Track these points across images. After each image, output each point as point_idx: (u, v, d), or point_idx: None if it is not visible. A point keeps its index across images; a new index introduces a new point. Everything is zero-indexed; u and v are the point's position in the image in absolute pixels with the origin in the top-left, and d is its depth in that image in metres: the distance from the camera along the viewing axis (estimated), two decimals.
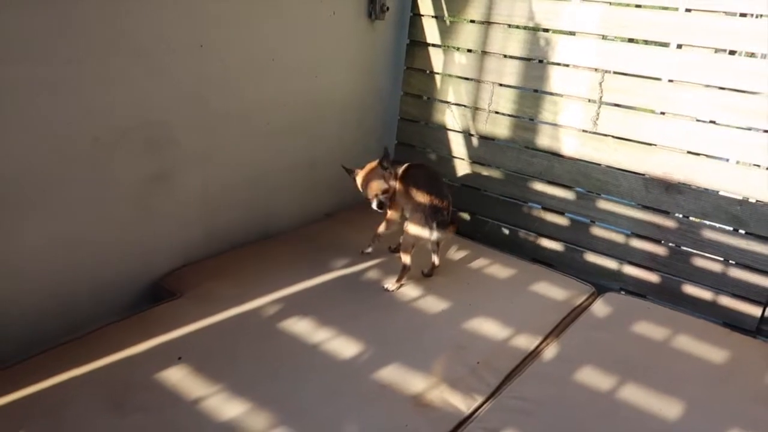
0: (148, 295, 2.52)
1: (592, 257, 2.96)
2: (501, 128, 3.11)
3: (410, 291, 2.52)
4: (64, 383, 1.90)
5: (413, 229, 2.52)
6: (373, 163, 2.58)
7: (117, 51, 2.15)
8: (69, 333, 2.17)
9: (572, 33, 2.84)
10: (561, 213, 3.02)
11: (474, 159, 3.25)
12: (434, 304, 2.44)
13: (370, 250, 2.77)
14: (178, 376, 1.94)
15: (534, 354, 2.19)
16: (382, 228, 2.70)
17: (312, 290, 2.40)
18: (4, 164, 1.96)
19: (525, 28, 2.94)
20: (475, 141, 3.22)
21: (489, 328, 2.30)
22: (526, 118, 3.04)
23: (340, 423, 1.81)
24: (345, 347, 2.13)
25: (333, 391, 1.93)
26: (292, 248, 2.81)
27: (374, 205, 2.55)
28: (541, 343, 2.24)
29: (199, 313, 2.23)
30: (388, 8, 3.15)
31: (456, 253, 2.89)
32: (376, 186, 2.54)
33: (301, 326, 2.22)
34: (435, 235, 2.49)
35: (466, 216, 3.33)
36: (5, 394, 1.81)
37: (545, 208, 3.06)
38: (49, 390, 1.86)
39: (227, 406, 1.83)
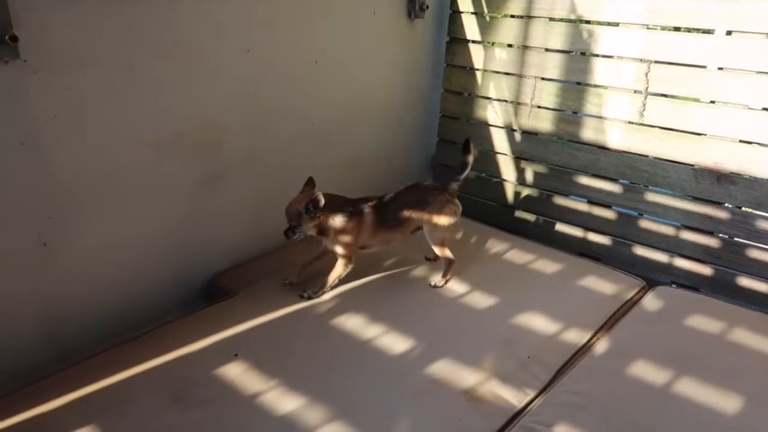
0: (202, 294, 2.61)
1: (641, 250, 2.91)
2: (544, 122, 3.09)
3: (457, 287, 2.53)
4: (127, 379, 1.98)
5: (443, 220, 2.55)
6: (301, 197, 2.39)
7: (172, 57, 2.23)
8: (128, 331, 2.27)
9: (615, 24, 2.80)
10: (608, 206, 2.98)
11: (517, 154, 3.23)
12: (482, 300, 2.44)
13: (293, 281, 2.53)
14: (235, 372, 2.00)
15: (585, 348, 2.18)
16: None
17: (362, 288, 2.44)
18: (68, 168, 2.06)
19: (566, 20, 2.91)
20: (517, 136, 3.20)
21: (538, 322, 2.29)
22: (570, 112, 3.01)
23: (393, 417, 1.83)
24: (396, 343, 2.16)
25: (386, 386, 1.96)
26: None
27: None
28: (591, 337, 2.23)
29: (254, 311, 2.29)
30: (427, 6, 3.16)
31: (502, 249, 2.88)
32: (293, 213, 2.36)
33: (352, 323, 2.26)
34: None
35: (510, 211, 3.31)
36: (74, 390, 1.91)
37: (591, 202, 3.03)
38: (114, 386, 1.95)
39: (284, 401, 1.88)
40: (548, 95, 3.04)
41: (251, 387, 1.94)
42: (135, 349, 2.11)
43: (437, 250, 2.56)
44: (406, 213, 2.51)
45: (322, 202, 2.30)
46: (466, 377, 1.99)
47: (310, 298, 2.41)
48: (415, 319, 2.31)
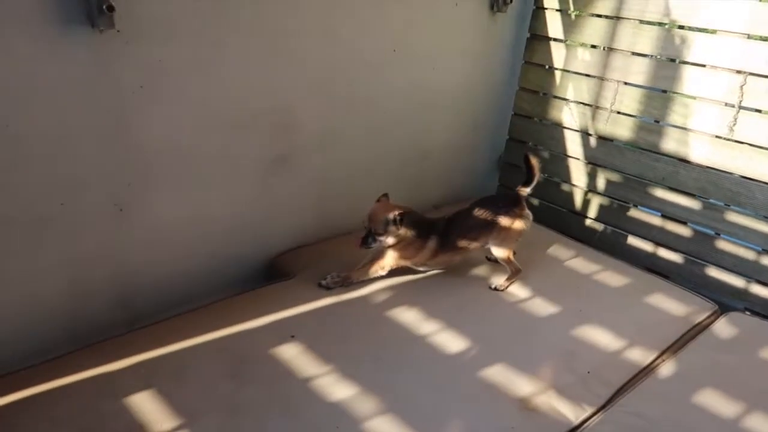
0: (262, 272, 2.65)
1: (714, 272, 2.77)
2: (622, 129, 2.96)
3: (517, 291, 2.47)
4: (188, 349, 2.03)
5: (512, 234, 2.50)
6: (389, 206, 2.36)
7: (255, 37, 2.25)
8: (191, 302, 2.33)
9: (713, 31, 2.64)
10: (683, 222, 2.84)
11: (590, 160, 3.12)
12: (542, 307, 2.38)
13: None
14: (291, 353, 2.02)
15: (648, 369, 2.09)
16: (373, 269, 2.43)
17: (420, 282, 2.41)
18: (149, 138, 2.11)
19: (658, 24, 2.77)
20: (592, 141, 3.09)
21: (600, 337, 2.22)
22: (652, 120, 2.88)
23: (445, 417, 1.81)
24: (451, 342, 2.13)
25: (438, 384, 1.94)
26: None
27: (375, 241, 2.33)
28: (656, 358, 2.13)
29: (312, 294, 2.31)
30: (510, 1, 3.08)
31: (566, 256, 2.80)
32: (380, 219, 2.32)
33: (408, 316, 2.24)
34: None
35: (578, 219, 3.21)
36: (138, 353, 1.97)
37: (665, 216, 2.90)
38: (175, 354, 2.00)
39: (336, 388, 1.88)
40: (630, 101, 2.91)
41: (305, 370, 1.96)
42: (196, 320, 2.16)
43: (504, 262, 2.51)
44: (471, 237, 2.46)
45: (411, 217, 2.32)
46: (522, 385, 1.95)
47: (327, 287, 2.37)
48: (472, 320, 2.27)
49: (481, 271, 2.61)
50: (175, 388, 1.85)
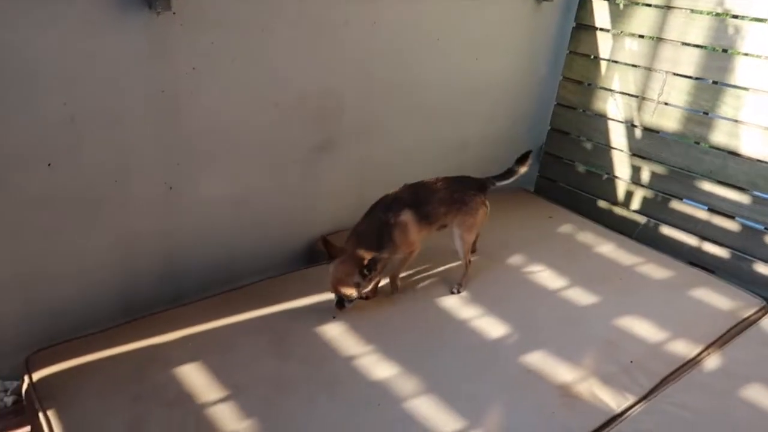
0: (303, 255, 2.69)
1: (762, 268, 2.70)
2: (669, 121, 2.91)
3: (557, 281, 2.46)
4: (233, 326, 2.09)
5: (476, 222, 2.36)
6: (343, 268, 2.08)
7: (303, 23, 2.28)
8: (235, 281, 2.39)
9: None
10: (731, 217, 2.78)
11: (634, 151, 3.07)
12: (583, 297, 2.36)
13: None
14: (333, 333, 2.05)
15: (693, 362, 2.05)
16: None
17: (460, 269, 2.41)
18: (199, 119, 2.17)
19: (711, 14, 2.71)
20: (638, 132, 3.04)
21: (643, 328, 2.19)
22: (701, 112, 2.82)
23: (485, 400, 1.82)
24: (492, 327, 2.13)
25: (479, 368, 1.95)
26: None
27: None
28: (701, 352, 2.10)
29: None
30: None
31: (607, 248, 2.76)
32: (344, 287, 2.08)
33: (449, 302, 2.25)
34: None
35: (620, 211, 3.17)
36: (184, 328, 2.03)
37: (712, 210, 2.83)
38: (220, 329, 2.06)
39: (378, 367, 1.91)
40: (678, 92, 2.85)
41: (347, 350, 1.99)
42: (240, 299, 2.22)
43: (462, 251, 2.35)
44: (442, 212, 2.27)
45: (378, 261, 2.07)
46: (563, 372, 1.94)
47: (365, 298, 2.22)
48: (514, 306, 2.27)
49: (517, 260, 2.60)
50: (221, 361, 1.90)
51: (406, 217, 2.18)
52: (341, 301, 2.09)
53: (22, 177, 1.88)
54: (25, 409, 1.82)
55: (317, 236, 2.69)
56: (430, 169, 3.02)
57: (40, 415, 1.68)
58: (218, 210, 2.37)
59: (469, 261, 2.38)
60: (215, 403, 1.73)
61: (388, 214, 2.17)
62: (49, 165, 1.91)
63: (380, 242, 2.10)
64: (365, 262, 2.02)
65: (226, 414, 1.70)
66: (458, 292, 2.32)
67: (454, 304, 2.25)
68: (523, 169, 2.49)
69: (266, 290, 2.29)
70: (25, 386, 1.81)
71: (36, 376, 1.80)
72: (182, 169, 2.20)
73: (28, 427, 1.83)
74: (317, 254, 2.62)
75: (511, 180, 2.48)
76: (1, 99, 1.76)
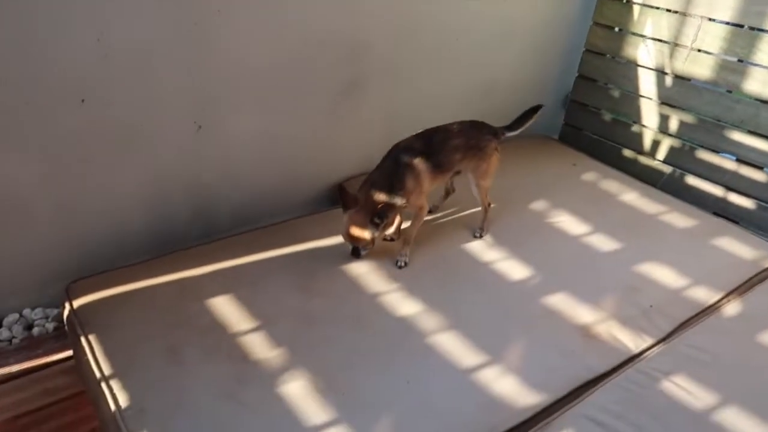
0: (328, 196, 2.73)
1: None
2: (702, 68, 2.84)
3: (580, 227, 2.47)
4: (262, 261, 2.15)
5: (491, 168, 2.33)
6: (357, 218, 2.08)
7: None
8: (259, 221, 2.44)
9: None
10: (759, 167, 2.75)
11: (663, 100, 3.02)
12: (606, 243, 2.38)
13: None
14: (358, 272, 2.11)
15: (713, 308, 2.08)
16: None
17: (481, 214, 2.42)
18: (229, 57, 2.17)
19: None
20: (668, 80, 2.98)
21: (664, 274, 2.21)
22: (735, 59, 2.75)
23: (506, 337, 1.87)
24: (514, 270, 2.17)
25: (502, 307, 2.00)
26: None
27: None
28: (722, 298, 2.12)
29: None
30: None
31: (631, 196, 2.76)
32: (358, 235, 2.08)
33: (473, 245, 2.29)
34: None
35: (646, 160, 3.15)
36: (216, 262, 2.10)
37: (741, 161, 2.80)
38: (250, 265, 2.12)
39: (403, 304, 1.97)
40: (713, 38, 2.78)
41: (372, 287, 2.04)
42: (268, 237, 2.27)
43: (480, 197, 2.35)
44: (456, 159, 2.22)
45: (390, 209, 2.06)
46: (584, 314, 1.98)
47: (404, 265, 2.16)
48: (536, 250, 2.29)
49: (539, 206, 2.61)
50: (250, 295, 1.97)
51: (419, 164, 2.12)
52: (356, 250, 2.13)
53: (57, 112, 1.92)
54: (67, 334, 1.92)
55: (342, 178, 2.72)
56: (456, 113, 3.00)
57: (82, 339, 1.76)
58: (246, 149, 2.40)
59: (489, 205, 2.39)
60: (246, 332, 1.81)
61: (401, 161, 2.11)
62: (82, 101, 1.94)
63: (392, 189, 2.06)
64: (377, 209, 2.02)
65: (256, 343, 1.77)
66: (481, 236, 2.35)
67: (477, 247, 2.29)
68: (529, 123, 2.41)
69: (292, 229, 2.34)
70: (66, 313, 1.90)
71: (76, 303, 1.88)
72: (211, 109, 2.22)
73: (71, 351, 1.93)
74: (343, 195, 2.65)
75: (519, 131, 2.41)
76: (35, 35, 1.78)
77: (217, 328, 1.82)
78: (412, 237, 2.20)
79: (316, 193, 2.71)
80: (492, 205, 2.41)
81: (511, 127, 2.41)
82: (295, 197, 2.64)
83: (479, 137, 2.29)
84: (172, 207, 2.32)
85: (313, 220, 2.43)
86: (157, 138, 2.16)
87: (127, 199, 2.20)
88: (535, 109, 2.43)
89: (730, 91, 2.79)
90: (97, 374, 1.65)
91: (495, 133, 2.35)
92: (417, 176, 2.12)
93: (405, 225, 2.32)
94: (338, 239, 2.28)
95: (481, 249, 2.27)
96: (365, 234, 2.07)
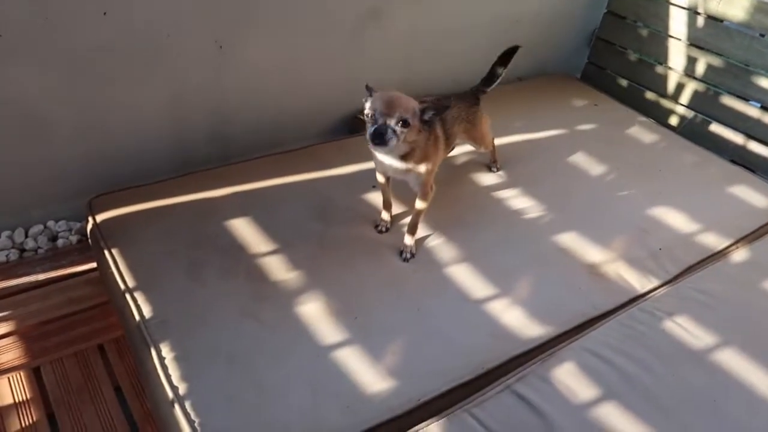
0: (346, 124, 2.73)
1: None
2: (736, 9, 2.74)
3: (596, 167, 2.47)
4: (278, 187, 2.18)
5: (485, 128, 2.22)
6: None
7: None
8: (280, 145, 2.45)
9: None
10: None
11: (693, 41, 2.94)
12: (620, 184, 2.39)
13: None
14: (374, 201, 2.13)
15: (721, 254, 2.11)
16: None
17: (498, 148, 2.43)
18: None
19: None
20: (700, 20, 2.88)
21: (676, 219, 2.23)
22: None
23: (516, 270, 1.92)
24: (528, 207, 2.20)
25: (513, 242, 2.04)
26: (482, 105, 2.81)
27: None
28: (731, 245, 2.14)
29: None
30: None
31: (650, 139, 2.74)
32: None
33: (488, 179, 2.31)
34: None
35: (668, 103, 3.10)
36: (235, 185, 2.13)
37: (765, 108, 2.75)
38: (268, 189, 2.16)
39: (419, 238, 2.00)
40: None
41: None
42: (285, 162, 2.29)
43: (485, 149, 2.28)
44: (455, 130, 2.06)
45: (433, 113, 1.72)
46: (593, 253, 2.02)
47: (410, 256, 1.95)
48: (551, 188, 2.31)
49: (556, 144, 2.60)
50: (268, 218, 2.01)
51: (439, 131, 1.92)
52: (381, 131, 1.62)
53: (79, 25, 1.90)
54: (90, 247, 1.98)
55: (361, 107, 2.70)
56: (478, 45, 2.96)
57: (106, 252, 1.83)
58: (266, 74, 2.38)
59: (493, 144, 2.33)
60: (264, 255, 1.86)
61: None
62: (104, 14, 1.92)
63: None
64: (428, 105, 1.71)
65: (273, 265, 1.83)
66: (497, 170, 2.35)
67: (492, 182, 2.30)
68: (503, 70, 2.14)
69: (310, 156, 2.36)
70: (89, 226, 1.95)
71: (99, 218, 1.93)
72: (232, 29, 2.19)
73: (94, 263, 2.00)
74: (359, 125, 2.65)
75: (496, 84, 2.18)
76: None
77: (235, 248, 1.87)
78: (417, 226, 1.97)
79: (334, 121, 2.71)
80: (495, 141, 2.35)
81: (486, 83, 2.17)
82: (313, 124, 2.64)
83: (468, 109, 2.11)
84: (193, 127, 2.33)
85: (331, 147, 2.44)
86: (178, 55, 2.14)
87: (148, 117, 2.21)
88: (511, 52, 2.13)
89: (762, 35, 2.71)
90: (122, 286, 1.72)
91: (477, 97, 2.17)
92: (434, 143, 1.86)
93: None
94: (356, 167, 2.31)
95: (497, 185, 2.29)
96: (407, 116, 1.64)
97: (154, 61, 2.10)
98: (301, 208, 2.08)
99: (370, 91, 1.73)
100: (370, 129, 1.64)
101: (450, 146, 2.13)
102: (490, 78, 2.18)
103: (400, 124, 1.62)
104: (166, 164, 2.30)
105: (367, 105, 1.68)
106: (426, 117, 1.70)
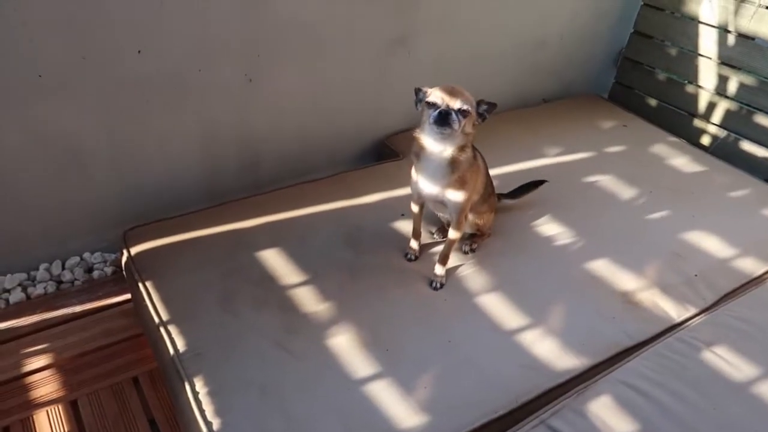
0: (373, 151, 2.74)
1: None
2: None
3: (627, 190, 2.44)
4: (308, 216, 2.20)
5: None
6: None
7: None
8: (306, 174, 2.48)
9: None
10: None
11: (724, 59, 2.89)
12: (654, 208, 2.35)
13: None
14: (404, 229, 2.13)
15: (759, 279, 2.06)
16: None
17: (524, 173, 2.41)
18: (280, 9, 2.16)
19: None
20: (731, 39, 2.84)
21: (711, 243, 2.19)
22: None
23: (549, 300, 1.90)
24: (558, 233, 2.17)
25: (544, 270, 2.01)
26: (507, 128, 2.81)
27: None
28: None
29: None
30: None
31: (682, 160, 2.70)
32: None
33: (516, 205, 2.29)
34: None
35: (699, 123, 3.05)
36: (265, 215, 2.15)
37: None
38: (298, 218, 2.18)
39: (450, 265, 1.99)
40: None
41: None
42: (315, 191, 2.31)
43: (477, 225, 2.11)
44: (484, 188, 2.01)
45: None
46: (627, 281, 1.99)
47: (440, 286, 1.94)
48: (582, 213, 2.28)
49: (586, 167, 2.57)
50: (299, 248, 2.03)
51: (482, 162, 1.96)
52: (449, 112, 1.68)
53: (115, 63, 1.96)
54: (125, 278, 2.02)
55: (388, 134, 2.72)
56: (505, 68, 2.97)
57: (140, 285, 1.86)
58: (294, 103, 2.42)
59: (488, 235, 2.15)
60: (296, 285, 1.87)
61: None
62: (139, 52, 1.97)
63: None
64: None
65: (305, 296, 1.84)
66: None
67: (521, 208, 2.28)
68: (521, 198, 2.24)
69: (339, 184, 2.37)
70: (124, 259, 1.99)
71: (134, 250, 1.97)
72: (262, 62, 2.23)
73: (129, 295, 2.04)
74: (386, 151, 2.67)
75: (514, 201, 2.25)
76: None
77: (267, 279, 1.89)
78: (449, 256, 1.96)
79: (362, 148, 2.73)
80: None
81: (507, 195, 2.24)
82: (341, 152, 2.67)
83: (490, 187, 2.07)
84: (223, 158, 2.37)
85: (359, 175, 2.46)
86: (209, 89, 2.19)
87: (180, 149, 2.26)
88: (536, 184, 2.26)
89: None
90: (156, 319, 1.75)
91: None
92: (476, 172, 1.88)
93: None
94: (385, 195, 2.31)
95: (525, 211, 2.27)
96: (467, 107, 1.71)
97: (185, 94, 2.15)
98: (331, 237, 2.09)
99: (417, 92, 1.83)
100: (433, 113, 1.70)
101: (478, 196, 1.97)
102: (515, 194, 2.23)
103: (461, 113, 1.71)
104: (198, 195, 2.34)
105: (432, 93, 1.76)
106: (480, 110, 1.77)
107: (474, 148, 1.87)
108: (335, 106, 2.53)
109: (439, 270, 1.94)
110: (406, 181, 2.27)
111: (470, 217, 2.00)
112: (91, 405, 1.80)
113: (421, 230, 2.05)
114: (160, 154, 2.22)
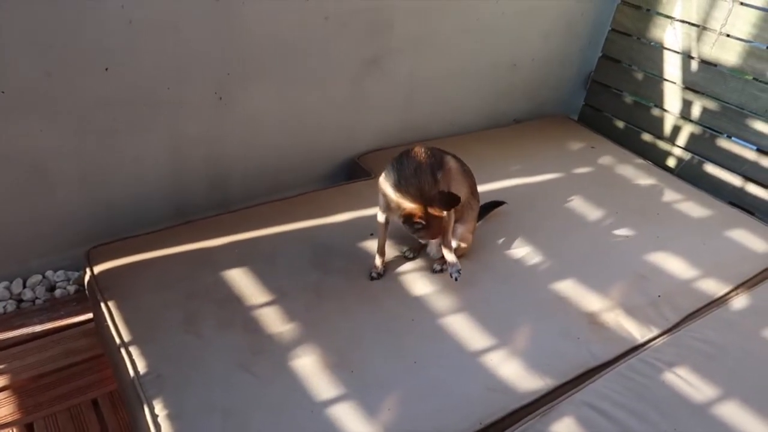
0: (345, 170, 2.75)
1: None
2: (729, 54, 2.78)
3: (593, 212, 2.48)
4: (276, 235, 2.18)
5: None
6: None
7: None
8: (278, 192, 2.47)
9: None
10: None
11: (687, 84, 2.97)
12: (618, 229, 2.39)
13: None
14: (372, 250, 2.13)
15: (721, 300, 2.10)
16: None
17: (493, 193, 2.43)
18: (251, 28, 2.17)
19: None
20: (693, 65, 2.93)
21: (675, 264, 2.22)
22: (765, 46, 2.69)
23: (515, 320, 1.91)
24: (526, 254, 2.19)
25: (511, 290, 2.03)
26: (478, 148, 2.83)
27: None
28: (731, 291, 2.13)
29: None
30: None
31: (648, 182, 2.75)
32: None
33: (486, 227, 2.30)
34: None
35: (664, 145, 3.12)
36: (232, 233, 2.14)
37: (761, 151, 2.77)
38: (266, 237, 2.16)
39: (414, 285, 2.00)
40: (744, 23, 2.71)
41: (389, 266, 2.07)
42: (285, 210, 2.30)
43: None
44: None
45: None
46: (592, 301, 2.01)
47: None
48: (548, 234, 2.31)
49: (554, 188, 2.61)
50: (266, 267, 2.01)
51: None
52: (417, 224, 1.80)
53: (82, 80, 1.94)
54: (88, 297, 1.98)
55: (360, 153, 2.73)
56: (477, 89, 3.01)
57: (102, 305, 1.82)
58: (266, 121, 2.42)
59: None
60: (261, 306, 1.86)
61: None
62: (106, 69, 1.96)
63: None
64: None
65: (270, 316, 1.82)
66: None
67: (489, 230, 2.30)
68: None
69: (309, 203, 2.37)
70: (87, 278, 1.96)
71: (97, 269, 1.94)
72: (233, 79, 2.23)
73: (91, 314, 2.00)
74: (359, 170, 2.67)
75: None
76: (61, 2, 1.79)
77: (233, 299, 1.87)
78: (452, 246, 1.98)
79: (334, 167, 2.73)
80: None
81: None
82: (311, 171, 2.67)
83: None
84: (192, 176, 2.35)
85: (330, 193, 2.46)
86: (178, 108, 2.18)
87: (149, 167, 2.24)
88: (494, 205, 2.34)
89: (757, 79, 2.74)
90: (117, 340, 1.71)
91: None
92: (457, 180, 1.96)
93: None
94: (354, 214, 2.31)
95: (493, 231, 2.29)
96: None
97: (154, 112, 2.13)
98: (299, 257, 2.08)
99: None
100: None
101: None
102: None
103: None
104: (167, 213, 2.32)
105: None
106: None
107: (455, 157, 1.94)
108: (308, 125, 2.53)
109: (450, 257, 1.94)
110: (376, 201, 2.28)
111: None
112: (47, 428, 1.75)
113: (385, 247, 2.05)
114: (127, 172, 2.19)
